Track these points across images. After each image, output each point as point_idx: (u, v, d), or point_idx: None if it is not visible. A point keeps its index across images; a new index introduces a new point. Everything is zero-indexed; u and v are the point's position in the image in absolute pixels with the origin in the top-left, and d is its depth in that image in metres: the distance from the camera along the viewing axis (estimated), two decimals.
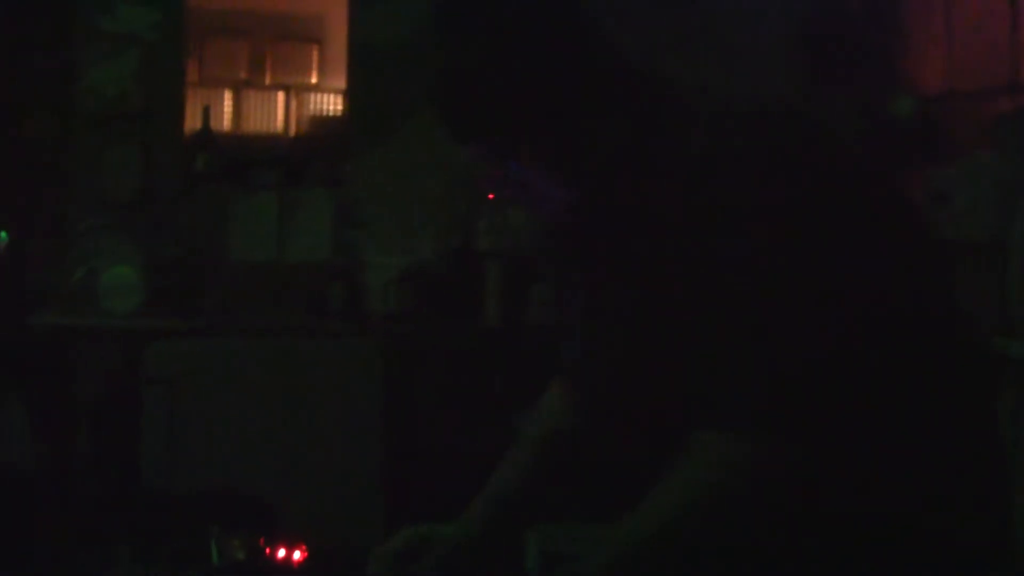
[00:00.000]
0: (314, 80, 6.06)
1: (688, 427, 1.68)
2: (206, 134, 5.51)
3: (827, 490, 1.68)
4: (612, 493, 1.78)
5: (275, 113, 5.96)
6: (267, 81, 6.01)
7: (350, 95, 5.82)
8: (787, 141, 1.71)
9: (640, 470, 1.75)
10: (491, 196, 5.48)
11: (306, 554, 2.06)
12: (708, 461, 1.67)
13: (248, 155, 5.65)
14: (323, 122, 5.93)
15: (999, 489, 1.79)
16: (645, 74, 1.81)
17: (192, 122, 5.57)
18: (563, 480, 2.12)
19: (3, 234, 4.84)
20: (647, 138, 1.76)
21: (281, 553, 2.05)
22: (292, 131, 5.94)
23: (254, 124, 5.92)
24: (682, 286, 1.70)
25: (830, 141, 1.76)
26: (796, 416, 1.62)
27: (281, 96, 5.97)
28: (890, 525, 1.70)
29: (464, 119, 1.82)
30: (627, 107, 1.78)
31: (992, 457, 1.79)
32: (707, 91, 1.81)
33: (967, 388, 1.77)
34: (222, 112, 5.84)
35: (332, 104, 5.97)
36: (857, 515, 1.70)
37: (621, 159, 1.77)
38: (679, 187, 1.70)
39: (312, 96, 6.00)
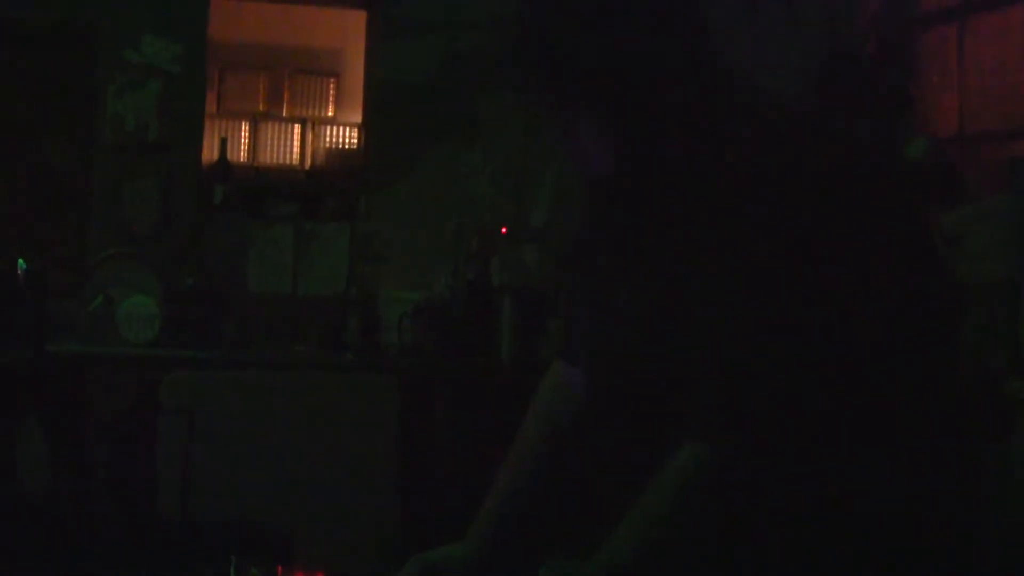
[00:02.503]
0: (331, 113, 6.09)
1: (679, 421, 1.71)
2: (224, 165, 5.55)
3: (803, 501, 1.71)
4: (618, 507, 1.79)
5: (292, 145, 5.99)
6: (284, 113, 6.04)
7: (366, 129, 5.86)
8: (829, 164, 1.75)
9: (643, 472, 1.76)
10: (504, 230, 5.51)
11: None
12: (677, 466, 1.70)
13: (265, 186, 5.69)
14: (339, 155, 5.97)
15: (973, 519, 1.81)
16: (716, 72, 1.84)
17: (210, 153, 5.62)
18: (565, 482, 2.12)
19: (20, 261, 4.87)
20: (709, 124, 1.79)
21: None
22: (308, 163, 5.98)
23: (271, 156, 5.95)
24: (693, 277, 1.74)
25: (864, 172, 1.80)
26: (765, 427, 1.65)
27: (298, 129, 6.01)
28: (865, 540, 1.73)
29: (544, 62, 1.80)
30: (697, 90, 1.81)
31: (969, 488, 1.81)
32: (770, 97, 1.85)
33: (954, 423, 1.79)
34: (239, 143, 5.88)
35: (348, 137, 6.00)
36: (832, 527, 1.72)
37: (680, 136, 1.81)
38: (717, 180, 1.74)
39: (329, 129, 6.03)
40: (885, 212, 1.79)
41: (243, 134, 5.92)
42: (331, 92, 6.12)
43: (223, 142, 5.58)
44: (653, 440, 1.81)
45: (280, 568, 2.09)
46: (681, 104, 1.80)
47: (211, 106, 5.77)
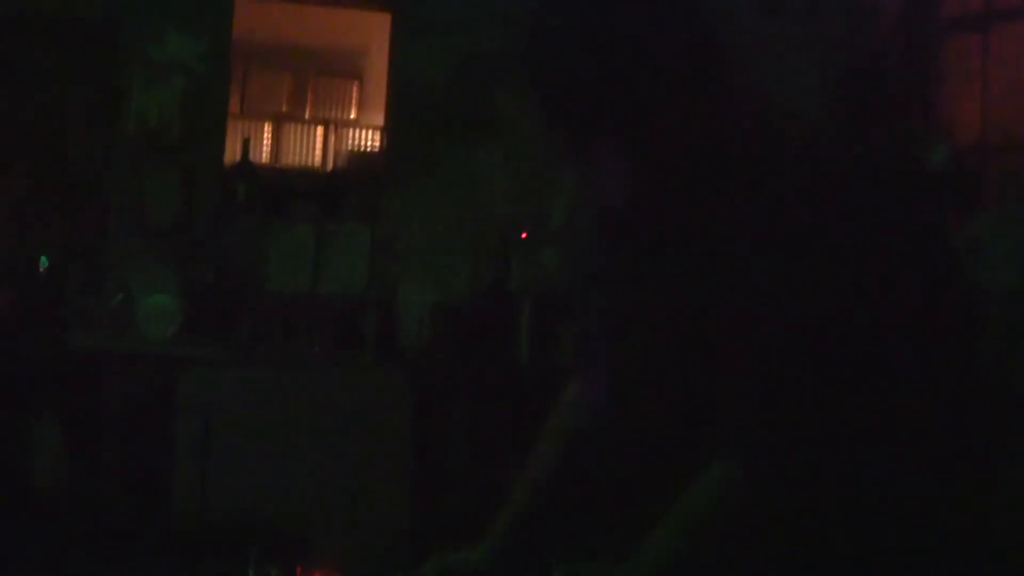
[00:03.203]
0: (353, 115, 6.10)
1: (709, 446, 1.71)
2: (246, 165, 5.56)
3: (826, 510, 1.71)
4: (636, 523, 1.79)
5: (314, 146, 6.00)
6: (307, 115, 6.05)
7: (388, 131, 5.87)
8: (843, 174, 1.74)
9: (664, 486, 1.76)
10: (524, 235, 5.51)
11: None
12: (714, 490, 1.70)
13: (286, 187, 5.70)
14: (361, 157, 5.98)
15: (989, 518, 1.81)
16: (740, 92, 1.83)
17: (232, 153, 5.63)
18: (584, 491, 2.13)
19: (44, 259, 4.89)
20: (724, 144, 1.79)
21: None
22: (330, 164, 5.99)
23: (293, 157, 5.97)
24: (715, 297, 1.74)
25: (876, 184, 1.79)
26: (797, 445, 1.65)
27: (320, 130, 6.02)
28: (885, 543, 1.72)
29: (556, 89, 1.79)
30: (713, 110, 1.80)
31: (989, 494, 1.81)
32: (786, 109, 1.84)
33: (976, 431, 1.79)
34: (262, 144, 5.89)
35: (370, 139, 6.01)
36: (852, 532, 1.72)
37: (695, 158, 1.80)
38: (737, 201, 1.74)
39: (351, 131, 6.04)
40: (903, 222, 1.79)
41: (266, 135, 5.93)
42: (354, 94, 6.13)
43: (245, 142, 5.59)
44: (674, 451, 1.82)
45: (299, 567, 2.09)
46: (696, 125, 1.79)
47: (234, 106, 5.78)
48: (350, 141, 6.04)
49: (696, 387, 1.77)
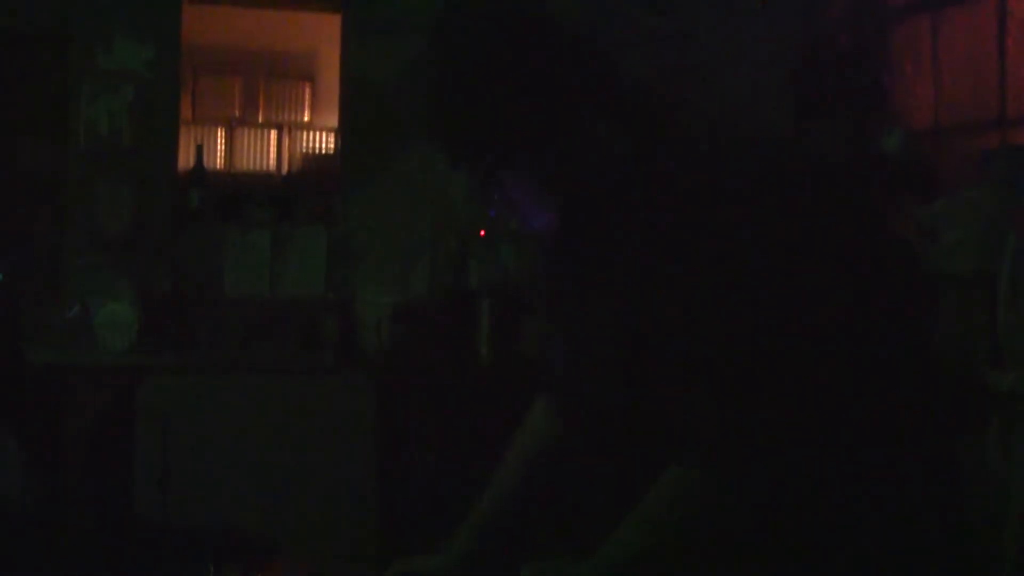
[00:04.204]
0: (306, 118, 6.08)
1: (664, 451, 1.70)
2: (199, 171, 5.53)
3: (794, 515, 1.70)
4: (599, 526, 1.79)
5: (268, 150, 5.97)
6: (260, 119, 6.02)
7: (342, 133, 5.84)
8: (775, 172, 1.74)
9: (624, 496, 1.76)
10: (482, 233, 5.50)
11: None
12: (669, 496, 1.69)
13: (241, 192, 5.67)
14: (316, 159, 5.95)
15: (959, 515, 1.81)
16: (638, 100, 1.83)
17: (185, 159, 5.59)
18: (549, 503, 2.13)
19: None
20: (636, 163, 1.78)
21: None
22: (285, 168, 5.96)
23: (247, 161, 5.93)
24: (659, 311, 1.73)
25: (818, 175, 1.78)
26: (759, 452, 1.64)
27: (274, 134, 5.99)
28: (856, 549, 1.72)
29: (458, 140, 1.83)
30: (618, 131, 1.80)
31: (953, 487, 1.81)
32: (699, 119, 1.84)
33: (932, 416, 1.79)
34: (215, 149, 5.85)
35: (324, 141, 5.99)
36: (812, 528, 1.71)
37: (609, 182, 1.80)
38: (663, 212, 1.73)
39: (305, 134, 6.01)
40: (857, 211, 1.79)
41: (219, 140, 5.89)
42: (306, 96, 6.10)
43: (199, 149, 5.56)
44: (630, 457, 1.81)
45: (260, 573, 2.08)
46: (605, 145, 1.80)
47: (186, 112, 5.75)
48: (304, 144, 6.01)
49: (647, 395, 1.77)
